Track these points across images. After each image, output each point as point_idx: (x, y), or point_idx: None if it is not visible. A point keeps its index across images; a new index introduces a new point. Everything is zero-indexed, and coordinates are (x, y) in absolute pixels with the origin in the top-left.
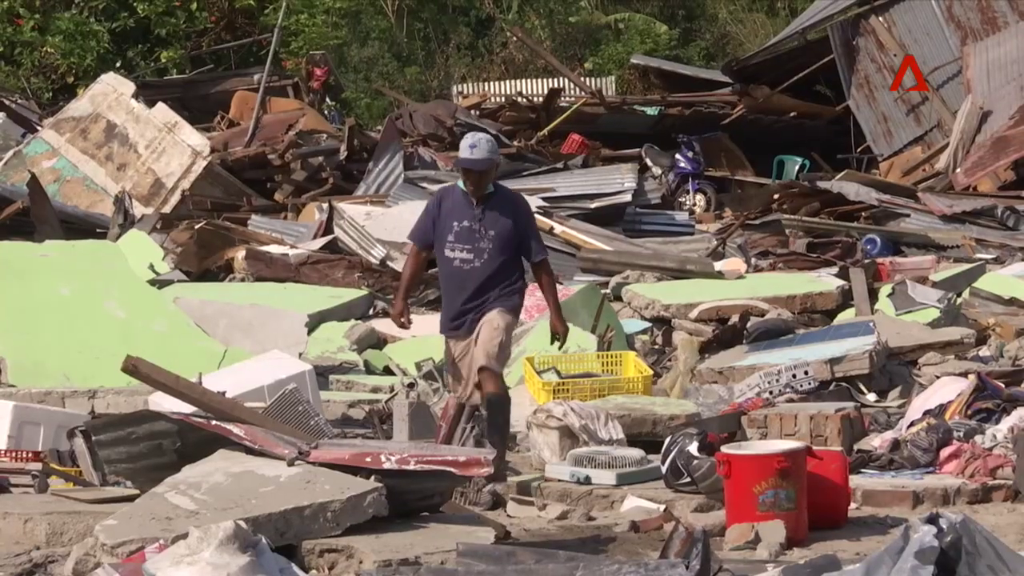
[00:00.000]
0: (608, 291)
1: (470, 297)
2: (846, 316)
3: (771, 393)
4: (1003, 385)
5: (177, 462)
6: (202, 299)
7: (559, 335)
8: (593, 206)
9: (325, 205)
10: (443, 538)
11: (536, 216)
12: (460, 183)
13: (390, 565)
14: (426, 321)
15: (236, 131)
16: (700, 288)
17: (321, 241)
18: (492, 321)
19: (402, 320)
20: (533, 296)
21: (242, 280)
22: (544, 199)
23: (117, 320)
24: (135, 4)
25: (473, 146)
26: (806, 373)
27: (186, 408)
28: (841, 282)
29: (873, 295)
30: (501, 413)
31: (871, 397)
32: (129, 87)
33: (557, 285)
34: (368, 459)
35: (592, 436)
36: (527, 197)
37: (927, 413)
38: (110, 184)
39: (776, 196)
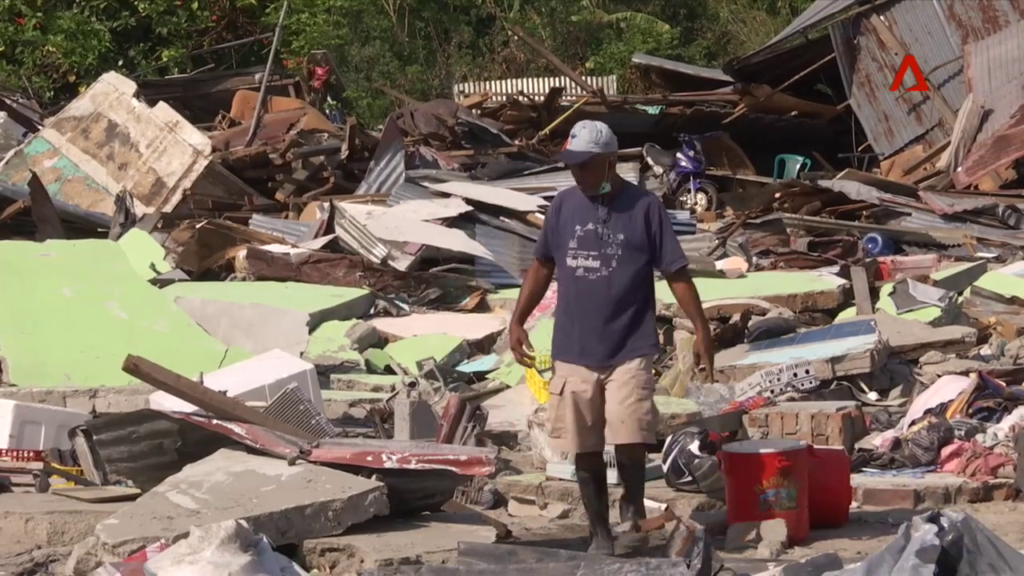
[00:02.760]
0: None
1: (600, 316)
2: (847, 315)
3: (772, 392)
4: (1004, 384)
5: (178, 461)
6: (203, 298)
7: (704, 362)
8: None
9: (326, 204)
10: (444, 537)
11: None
12: None
13: (391, 564)
14: (426, 320)
15: (237, 130)
16: (701, 287)
17: (322, 240)
18: (638, 378)
19: (521, 349)
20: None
21: (243, 279)
22: (545, 198)
23: (118, 319)
24: (136, 3)
25: (574, 135)
26: (807, 372)
27: (187, 407)
28: (842, 281)
29: (874, 294)
30: (635, 472)
31: (872, 396)
32: (130, 86)
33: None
34: (369, 458)
35: None
36: (528, 196)
37: (928, 412)
38: (111, 183)
39: (777, 195)
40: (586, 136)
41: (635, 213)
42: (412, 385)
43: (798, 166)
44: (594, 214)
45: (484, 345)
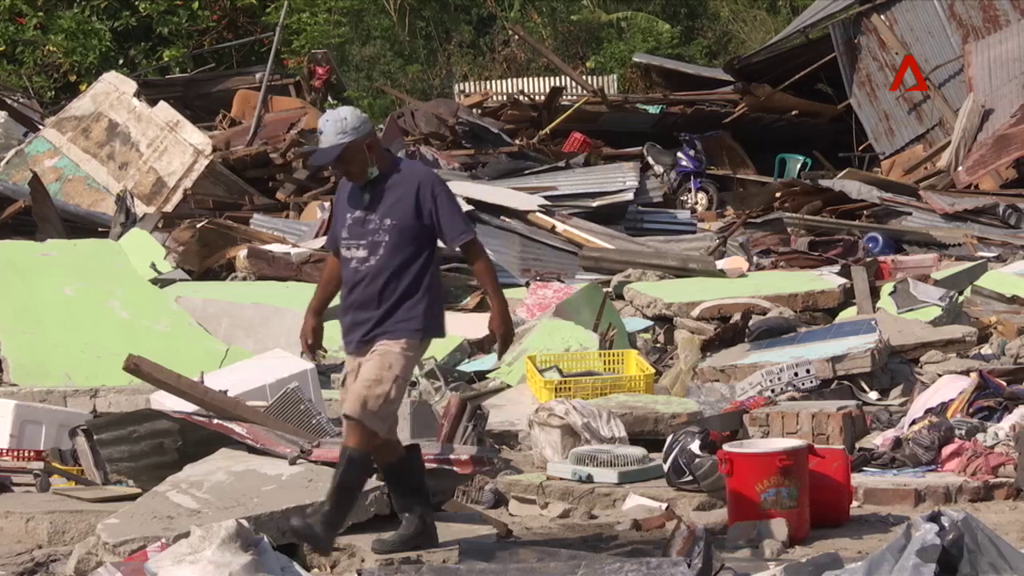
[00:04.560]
0: (610, 289)
1: (365, 303)
2: (848, 314)
3: (773, 391)
4: (1005, 383)
5: (179, 461)
6: (204, 298)
7: (494, 340)
8: (595, 205)
9: (327, 204)
10: (445, 536)
11: (543, 214)
12: None
13: (392, 563)
14: None
15: (238, 130)
16: (702, 286)
17: (323, 240)
18: (385, 358)
19: (308, 342)
20: (535, 295)
21: (244, 279)
22: (546, 198)
23: (119, 319)
24: (137, 3)
25: (320, 132)
26: (808, 371)
27: (188, 407)
28: (843, 280)
29: (875, 293)
30: (351, 471)
31: (873, 395)
32: (131, 86)
33: (557, 282)
34: None
35: (594, 434)
36: (528, 196)
37: (929, 411)
38: (112, 183)
39: (778, 194)
40: (331, 129)
41: (404, 194)
42: (413, 385)
43: (799, 165)
44: (360, 200)
45: (484, 345)
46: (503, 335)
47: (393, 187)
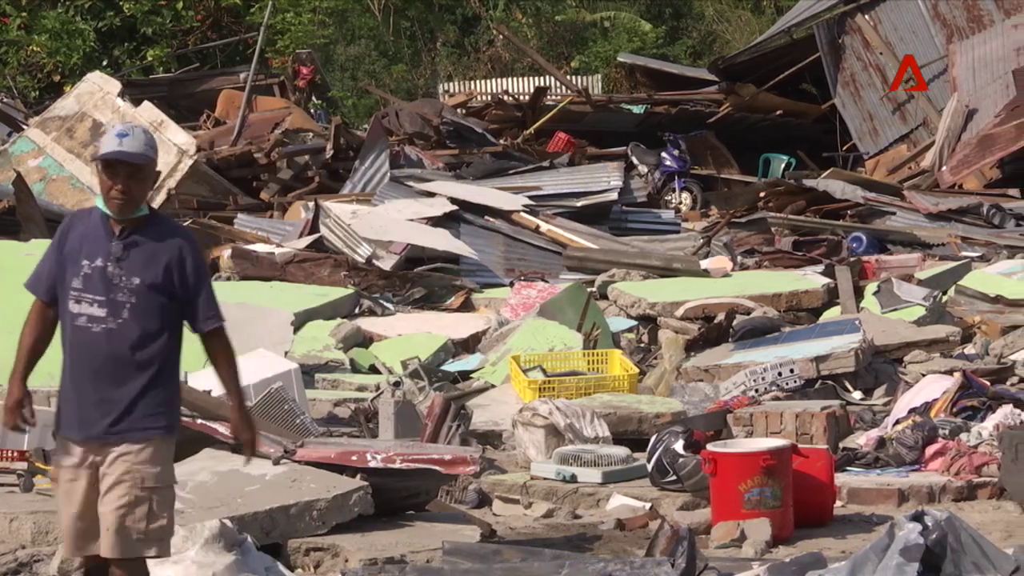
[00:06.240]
0: (594, 289)
1: (102, 379)
2: (832, 314)
3: (757, 391)
4: (988, 383)
5: None
6: None
7: (241, 440)
8: (579, 204)
9: (311, 204)
10: (429, 536)
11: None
12: (100, 202)
13: (376, 563)
14: (411, 319)
15: (222, 130)
16: (686, 286)
17: (307, 240)
18: (135, 474)
19: (17, 416)
20: (519, 295)
21: (228, 279)
22: (530, 197)
23: None
24: (121, 3)
25: (124, 135)
26: (792, 371)
27: None
28: (827, 280)
29: (859, 293)
30: None
31: (857, 395)
32: (115, 86)
33: (542, 282)
34: (354, 458)
35: (578, 434)
36: (513, 196)
37: (912, 411)
38: (96, 183)
39: (762, 194)
40: (142, 137)
41: (161, 253)
42: (397, 384)
43: (783, 165)
44: (106, 248)
45: (469, 344)
46: (249, 441)
47: (149, 241)
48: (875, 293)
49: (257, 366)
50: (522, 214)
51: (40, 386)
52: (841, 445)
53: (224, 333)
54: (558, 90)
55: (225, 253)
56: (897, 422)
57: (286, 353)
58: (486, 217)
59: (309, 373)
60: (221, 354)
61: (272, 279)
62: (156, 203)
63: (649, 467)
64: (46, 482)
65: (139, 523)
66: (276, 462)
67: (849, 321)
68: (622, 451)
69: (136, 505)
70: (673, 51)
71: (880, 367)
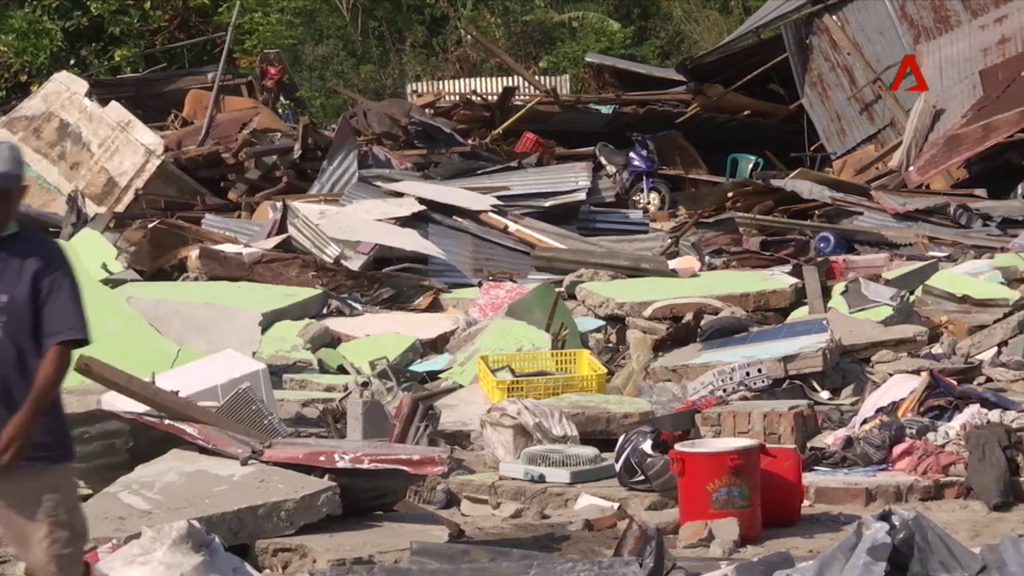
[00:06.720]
0: (562, 289)
1: None
2: (799, 314)
3: (724, 391)
4: (955, 382)
5: (130, 461)
6: (155, 298)
7: (9, 448)
8: (547, 205)
9: (279, 204)
10: (397, 537)
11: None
12: None
13: (344, 564)
14: (379, 320)
15: (190, 130)
16: (654, 286)
17: (275, 240)
18: (44, 504)
19: None
20: (487, 295)
21: (196, 279)
22: (499, 198)
23: None
24: (88, 3)
25: None
26: (759, 371)
27: (139, 407)
28: (794, 280)
29: (826, 293)
30: None
31: (824, 395)
32: (82, 86)
33: (510, 282)
34: (322, 458)
35: (546, 434)
36: (481, 196)
37: (880, 411)
38: (63, 183)
39: (730, 194)
40: (9, 155)
41: (27, 268)
42: (365, 385)
43: (751, 165)
44: None
45: (437, 345)
46: (19, 448)
47: (15, 258)
48: (843, 293)
49: (225, 366)
50: (490, 214)
51: None
52: (809, 445)
53: (64, 353)
54: (526, 90)
55: (193, 253)
56: (864, 422)
57: (254, 353)
58: (454, 217)
59: (277, 373)
60: (54, 368)
61: (240, 279)
62: (123, 204)
63: (617, 467)
64: None
65: (65, 549)
66: (244, 463)
67: (817, 321)
68: (590, 451)
69: (58, 529)
70: (641, 51)
71: (848, 367)
